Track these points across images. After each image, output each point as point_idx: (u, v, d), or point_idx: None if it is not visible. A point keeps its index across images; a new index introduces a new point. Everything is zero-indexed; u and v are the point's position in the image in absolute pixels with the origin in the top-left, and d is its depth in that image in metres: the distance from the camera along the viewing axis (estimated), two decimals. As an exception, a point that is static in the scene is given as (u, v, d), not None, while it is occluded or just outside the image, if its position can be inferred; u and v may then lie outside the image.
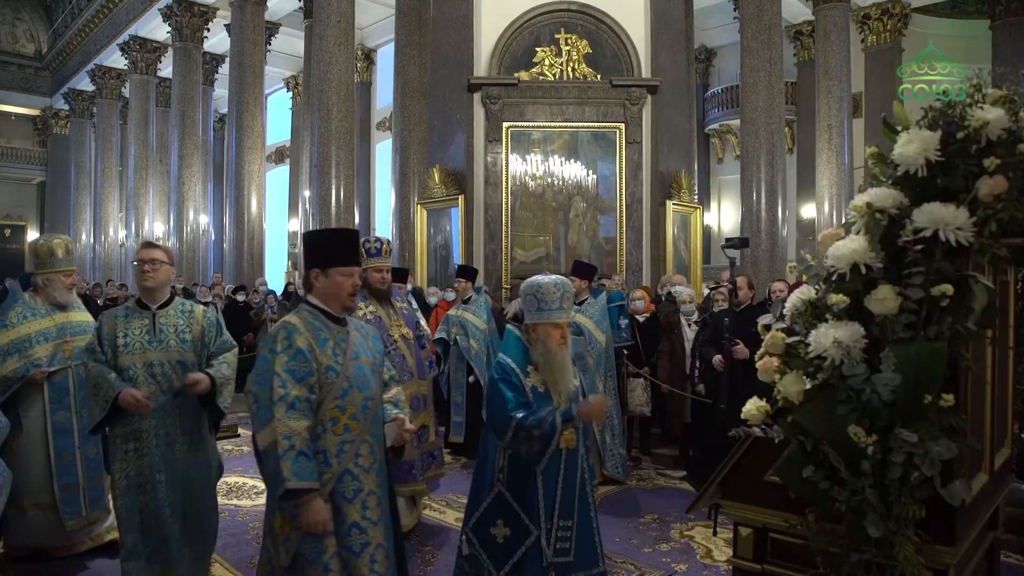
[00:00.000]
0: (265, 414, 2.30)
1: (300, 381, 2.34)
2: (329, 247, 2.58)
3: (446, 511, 5.07)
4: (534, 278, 2.82)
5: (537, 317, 2.75)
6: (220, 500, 5.28)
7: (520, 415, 2.59)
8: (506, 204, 8.61)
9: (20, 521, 3.90)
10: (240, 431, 7.55)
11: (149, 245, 3.35)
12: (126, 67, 19.12)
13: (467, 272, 6.96)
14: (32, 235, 26.22)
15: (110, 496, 3.93)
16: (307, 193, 14.16)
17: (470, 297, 6.69)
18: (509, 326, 2.95)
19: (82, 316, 4.21)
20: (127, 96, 19.70)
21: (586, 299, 5.66)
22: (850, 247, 1.59)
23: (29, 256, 4.01)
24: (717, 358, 5.33)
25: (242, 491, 5.52)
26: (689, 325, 6.56)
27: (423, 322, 5.14)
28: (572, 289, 2.85)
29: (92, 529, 4.12)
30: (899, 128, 1.70)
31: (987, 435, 1.77)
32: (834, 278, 1.62)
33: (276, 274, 17.82)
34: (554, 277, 2.81)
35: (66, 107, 24.13)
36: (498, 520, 2.70)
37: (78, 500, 3.99)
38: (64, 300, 4.06)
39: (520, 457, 2.65)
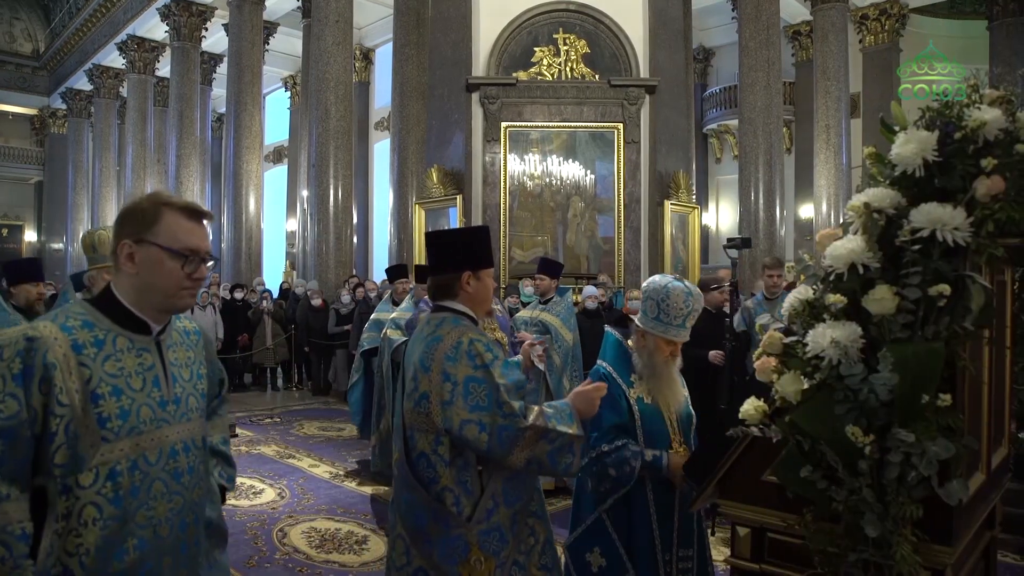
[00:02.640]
0: (509, 434, 1.97)
1: (518, 389, 2.08)
2: (480, 247, 2.25)
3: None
4: (663, 281, 2.45)
5: (653, 326, 2.41)
6: (218, 500, 5.29)
7: (604, 447, 2.32)
8: (504, 204, 8.61)
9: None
10: (238, 431, 7.55)
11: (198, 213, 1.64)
12: (124, 66, 19.10)
13: (550, 267, 5.75)
14: (30, 235, 26.18)
15: None
16: (305, 193, 14.16)
17: (551, 298, 5.66)
18: (609, 328, 2.66)
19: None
20: (125, 96, 19.69)
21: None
22: (848, 247, 1.59)
23: (84, 250, 3.62)
24: (714, 353, 5.35)
25: (240, 491, 5.52)
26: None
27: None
28: (701, 307, 2.48)
29: None
30: (897, 128, 1.71)
31: (984, 435, 1.78)
32: (832, 278, 1.62)
33: (274, 274, 17.81)
34: (686, 286, 2.43)
35: (64, 107, 24.10)
36: (595, 548, 2.41)
37: None
38: None
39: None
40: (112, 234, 1.59)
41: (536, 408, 2.05)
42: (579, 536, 2.45)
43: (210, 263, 1.62)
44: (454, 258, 2.18)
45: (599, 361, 2.55)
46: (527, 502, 2.15)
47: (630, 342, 2.54)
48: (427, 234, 2.37)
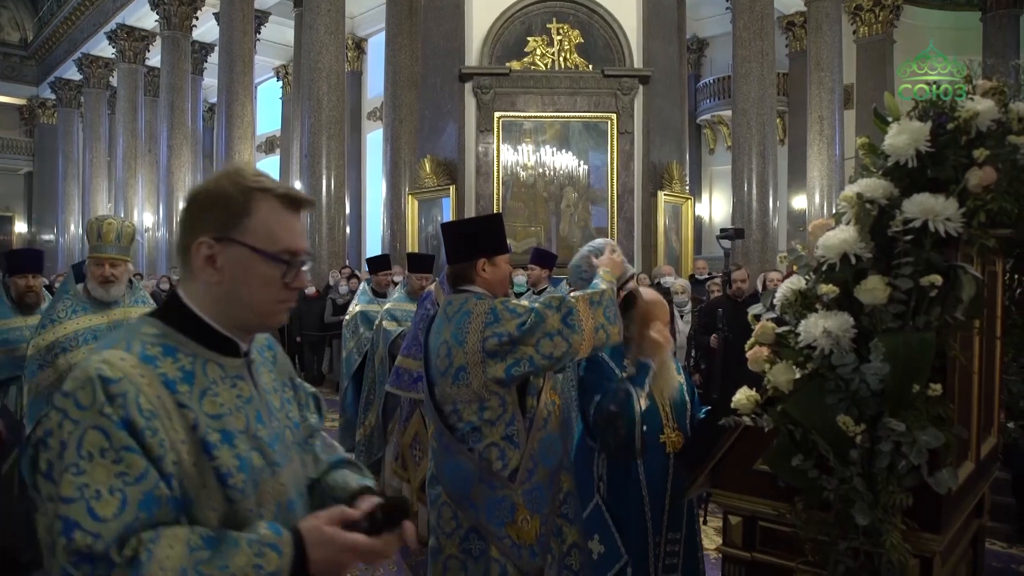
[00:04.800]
0: (571, 314, 2.14)
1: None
2: (495, 234, 2.35)
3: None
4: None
5: (633, 316, 2.46)
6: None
7: (597, 398, 2.38)
8: (497, 194, 8.60)
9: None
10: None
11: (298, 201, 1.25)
12: (114, 56, 18.92)
13: (543, 258, 5.73)
14: (20, 226, 26.00)
15: None
16: (298, 183, 14.09)
17: (544, 288, 5.51)
18: None
19: (143, 312, 3.65)
20: (115, 85, 19.51)
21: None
22: (840, 237, 1.59)
23: (88, 237, 3.47)
24: (713, 337, 5.38)
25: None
26: (682, 317, 6.60)
27: None
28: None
29: None
30: (890, 119, 1.71)
31: (974, 424, 1.79)
32: (824, 268, 1.63)
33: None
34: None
35: (53, 96, 23.87)
36: (595, 534, 2.45)
37: None
38: (98, 295, 3.39)
39: (619, 463, 2.42)
40: (181, 226, 1.19)
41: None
42: (584, 522, 2.46)
43: (307, 266, 1.24)
44: (468, 247, 2.28)
45: None
46: (561, 459, 2.30)
47: None
48: (442, 225, 2.48)
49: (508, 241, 2.65)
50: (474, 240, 2.30)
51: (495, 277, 2.29)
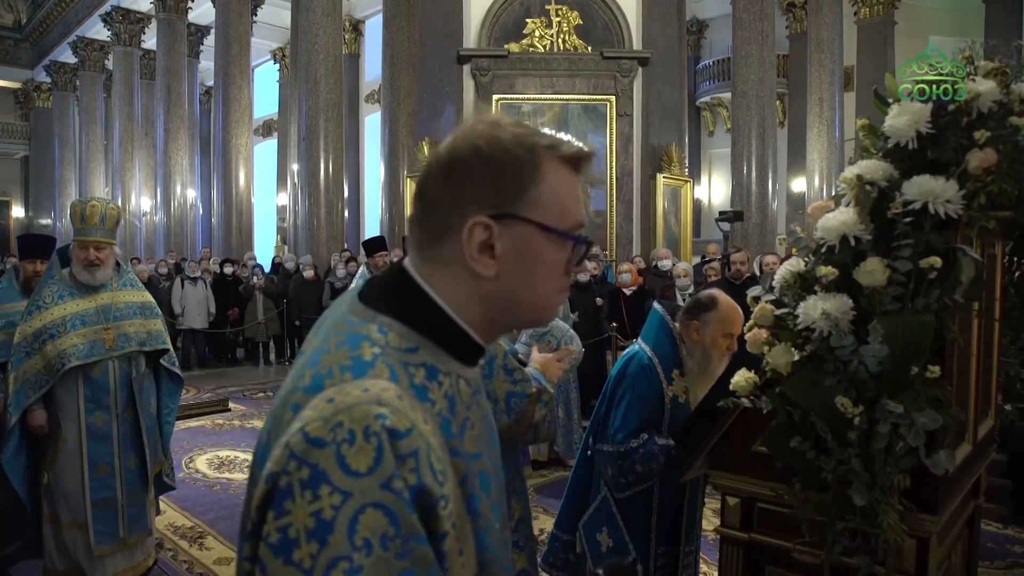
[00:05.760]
0: (519, 401, 2.04)
1: (515, 357, 2.18)
2: None
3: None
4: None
5: (712, 319, 2.23)
6: (212, 473, 5.31)
7: (633, 444, 2.17)
8: (496, 178, 8.57)
9: (58, 539, 3.30)
10: (231, 405, 7.56)
11: (581, 159, 0.93)
12: (109, 39, 18.77)
13: None
14: (17, 211, 25.90)
15: (153, 515, 3.63)
16: (295, 167, 14.03)
17: None
18: (658, 306, 2.40)
19: (132, 296, 3.46)
20: (111, 68, 19.36)
21: None
22: (840, 219, 1.59)
23: (72, 220, 3.37)
24: None
25: (234, 464, 5.54)
26: (683, 300, 6.62)
27: None
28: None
29: (132, 556, 3.42)
30: (890, 100, 1.70)
31: (971, 406, 1.80)
32: (823, 250, 1.62)
33: (265, 248, 17.71)
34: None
35: (48, 80, 23.69)
36: (603, 527, 2.35)
37: (115, 520, 3.32)
38: (85, 280, 3.31)
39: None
40: (432, 200, 0.86)
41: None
42: (590, 515, 2.41)
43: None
44: None
45: (641, 343, 2.34)
46: (509, 479, 2.16)
47: (677, 325, 2.33)
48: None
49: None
50: None
51: None
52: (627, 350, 2.39)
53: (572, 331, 2.01)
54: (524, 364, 2.20)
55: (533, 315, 0.92)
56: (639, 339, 2.36)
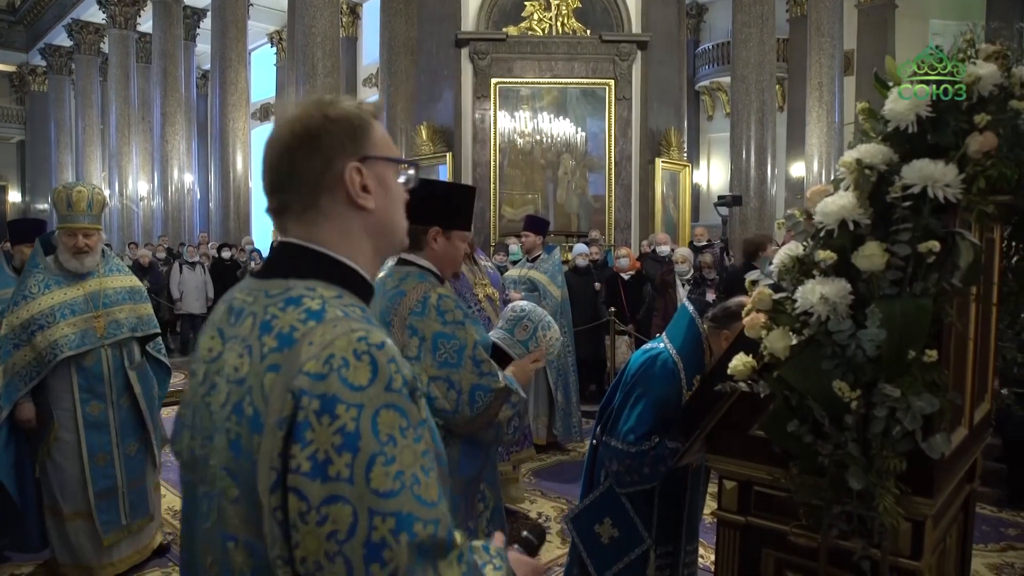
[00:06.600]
0: (484, 394, 1.96)
1: (486, 348, 2.06)
2: (459, 207, 2.13)
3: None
4: None
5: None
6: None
7: (645, 447, 2.13)
8: (494, 161, 8.54)
9: (62, 531, 3.29)
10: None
11: None
12: (104, 21, 18.60)
13: (536, 224, 5.76)
14: (13, 195, 25.80)
15: (158, 500, 3.64)
16: (293, 151, 13.97)
17: (538, 255, 5.65)
18: (688, 305, 2.33)
19: (120, 281, 3.42)
20: (106, 52, 19.21)
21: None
22: (838, 203, 1.58)
23: (56, 206, 3.30)
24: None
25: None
26: (683, 285, 6.62)
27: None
28: None
29: (137, 540, 3.46)
30: (890, 84, 1.69)
31: (968, 390, 1.80)
32: (822, 234, 1.62)
33: (262, 232, 17.67)
34: None
35: (43, 63, 23.50)
36: (605, 518, 2.29)
37: (117, 507, 3.33)
38: (72, 267, 3.27)
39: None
40: (300, 164, 1.02)
41: (499, 370, 2.04)
42: (586, 507, 2.35)
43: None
44: (427, 210, 1.97)
45: (666, 343, 2.26)
46: (481, 470, 2.13)
47: (705, 327, 2.25)
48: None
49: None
50: (435, 204, 2.05)
51: (445, 252, 2.08)
52: (650, 345, 2.33)
53: (549, 317, 1.99)
54: (503, 359, 2.17)
55: (400, 238, 1.12)
56: (664, 335, 2.31)
